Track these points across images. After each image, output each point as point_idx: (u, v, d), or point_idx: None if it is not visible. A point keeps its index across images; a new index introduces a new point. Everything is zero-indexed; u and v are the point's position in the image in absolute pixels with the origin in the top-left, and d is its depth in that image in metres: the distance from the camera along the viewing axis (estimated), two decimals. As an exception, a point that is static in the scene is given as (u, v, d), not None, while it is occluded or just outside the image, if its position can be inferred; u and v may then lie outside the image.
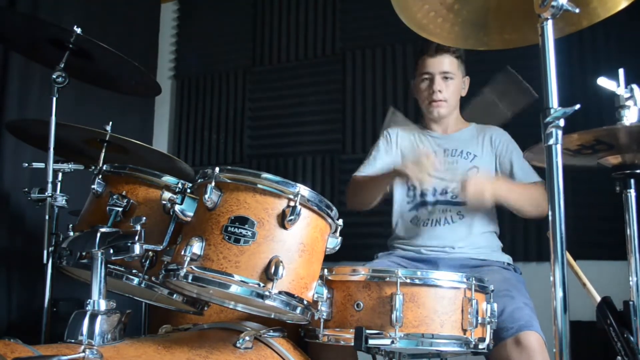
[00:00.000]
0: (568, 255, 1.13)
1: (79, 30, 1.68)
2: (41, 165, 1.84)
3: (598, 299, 1.40)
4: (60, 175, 1.86)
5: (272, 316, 1.32)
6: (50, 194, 1.78)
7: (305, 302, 1.21)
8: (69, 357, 1.00)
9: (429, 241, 1.97)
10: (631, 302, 1.31)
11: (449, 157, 2.04)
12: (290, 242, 1.18)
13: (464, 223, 1.96)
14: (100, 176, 1.37)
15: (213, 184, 1.17)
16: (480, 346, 1.36)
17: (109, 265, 1.24)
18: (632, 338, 1.29)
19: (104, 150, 1.82)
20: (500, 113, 1.83)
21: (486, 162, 2.00)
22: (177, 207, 1.19)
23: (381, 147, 2.14)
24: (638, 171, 1.38)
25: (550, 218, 1.06)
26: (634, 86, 1.31)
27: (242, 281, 1.12)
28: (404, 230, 2.05)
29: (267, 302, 1.13)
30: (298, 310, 1.19)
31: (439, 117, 2.06)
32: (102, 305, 1.19)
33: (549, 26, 1.10)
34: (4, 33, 1.89)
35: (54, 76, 1.76)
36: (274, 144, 3.22)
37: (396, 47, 2.94)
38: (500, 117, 1.87)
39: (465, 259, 1.91)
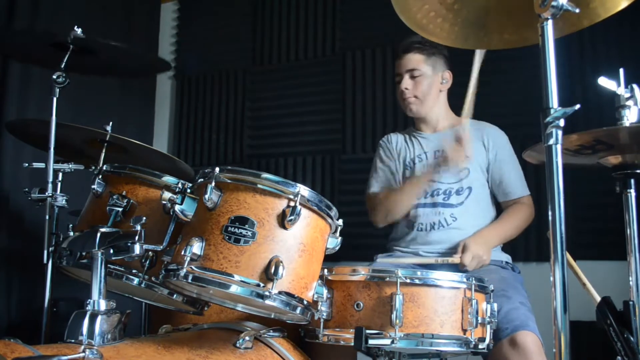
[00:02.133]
0: (568, 256, 1.13)
1: (79, 31, 1.68)
2: (41, 165, 1.84)
3: (598, 299, 1.40)
4: (60, 175, 1.87)
5: (272, 316, 1.32)
6: (50, 194, 1.78)
7: (305, 302, 1.21)
8: (69, 357, 1.00)
9: (426, 244, 1.96)
10: (631, 302, 1.31)
11: (439, 159, 2.02)
12: (290, 242, 1.18)
13: (459, 224, 1.95)
14: (100, 176, 1.37)
15: (213, 184, 1.17)
16: (480, 346, 1.36)
17: (109, 265, 1.24)
18: (632, 338, 1.29)
19: (104, 150, 1.82)
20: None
21: (477, 164, 1.99)
22: (177, 207, 1.20)
23: (383, 156, 2.15)
24: (638, 171, 1.38)
25: (550, 218, 1.06)
26: (634, 86, 1.31)
27: (242, 281, 1.12)
28: (401, 232, 2.04)
29: (267, 302, 1.13)
30: (298, 310, 1.19)
31: (413, 114, 2.09)
32: (102, 305, 1.19)
33: (549, 26, 1.10)
34: (3, 48, 1.89)
35: (55, 76, 1.76)
36: (274, 144, 3.21)
37: (396, 47, 2.93)
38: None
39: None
